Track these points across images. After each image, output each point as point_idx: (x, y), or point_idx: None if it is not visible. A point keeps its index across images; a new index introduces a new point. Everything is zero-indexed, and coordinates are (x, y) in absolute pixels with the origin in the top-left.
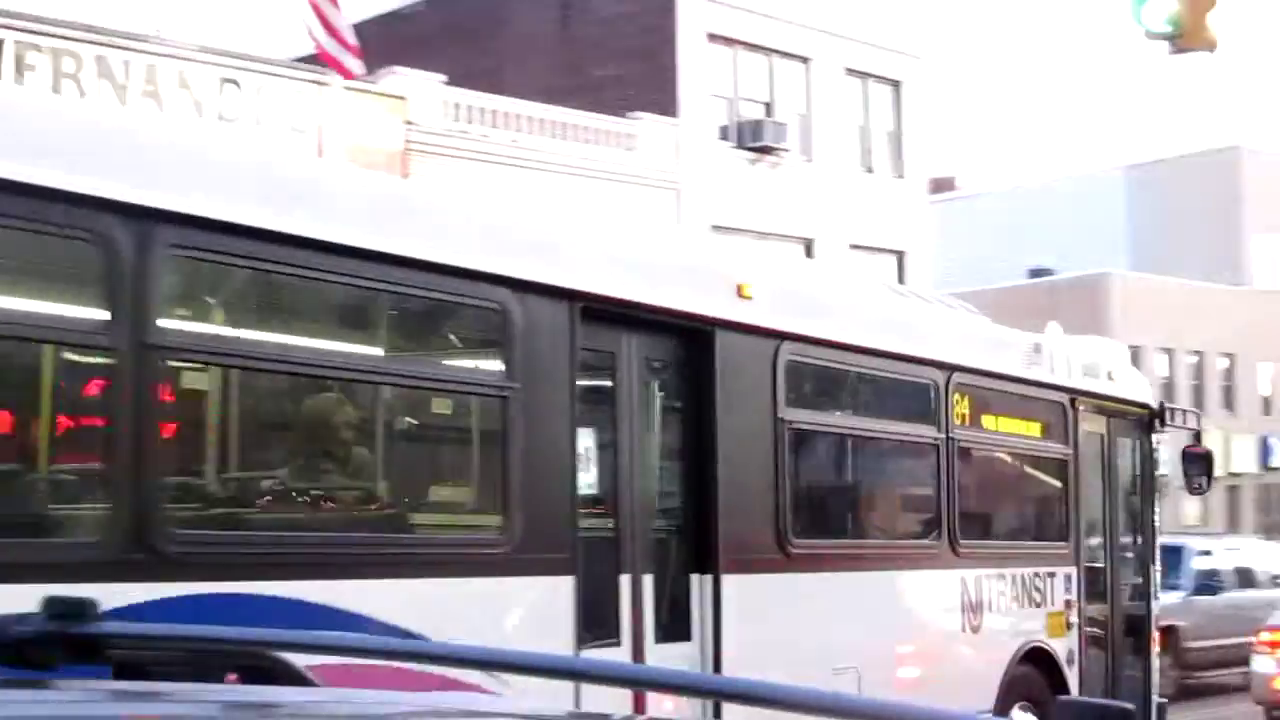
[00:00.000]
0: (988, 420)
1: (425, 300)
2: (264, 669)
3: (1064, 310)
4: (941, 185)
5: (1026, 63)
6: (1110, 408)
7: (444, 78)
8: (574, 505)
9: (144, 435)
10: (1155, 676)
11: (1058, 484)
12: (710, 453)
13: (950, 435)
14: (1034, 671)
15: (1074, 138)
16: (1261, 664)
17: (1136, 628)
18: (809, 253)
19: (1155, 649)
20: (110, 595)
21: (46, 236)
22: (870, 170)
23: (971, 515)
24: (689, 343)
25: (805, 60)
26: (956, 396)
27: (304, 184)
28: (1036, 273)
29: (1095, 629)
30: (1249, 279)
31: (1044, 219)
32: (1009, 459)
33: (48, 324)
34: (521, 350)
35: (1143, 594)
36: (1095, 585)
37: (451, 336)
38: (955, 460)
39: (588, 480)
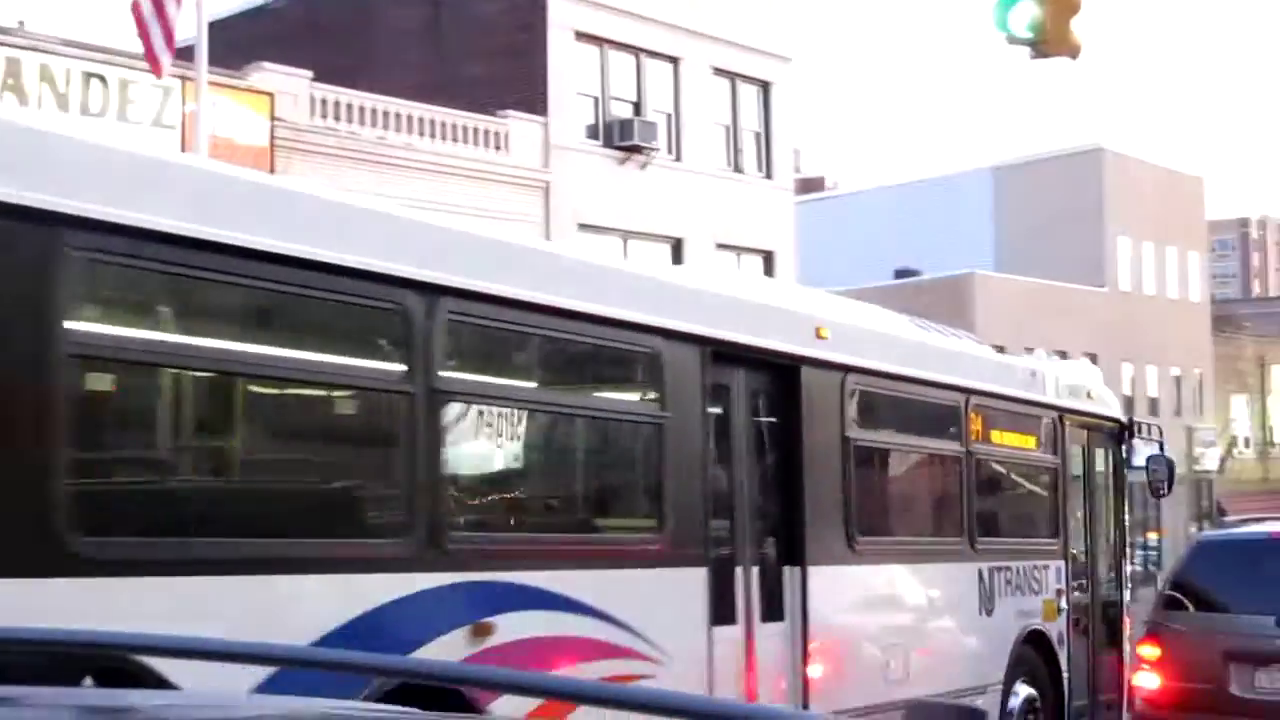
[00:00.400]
0: (995, 435)
1: (612, 350)
2: (125, 672)
3: (929, 311)
4: (810, 186)
5: (896, 65)
6: (1090, 423)
7: (310, 74)
8: (706, 511)
9: (432, 458)
10: (1128, 658)
11: (1049, 488)
12: (797, 466)
13: (969, 449)
14: (1033, 650)
15: (942, 139)
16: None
17: (1112, 614)
18: (677, 252)
19: (1128, 631)
20: (408, 583)
21: (362, 308)
22: (739, 170)
23: (984, 516)
24: (781, 376)
25: (674, 60)
26: (973, 415)
27: (533, 261)
28: (902, 273)
29: (1079, 614)
30: (1111, 280)
31: (912, 219)
32: (1012, 467)
33: (364, 373)
34: (670, 386)
35: (1117, 584)
36: (1078, 576)
37: (624, 378)
38: (973, 470)
39: (714, 490)
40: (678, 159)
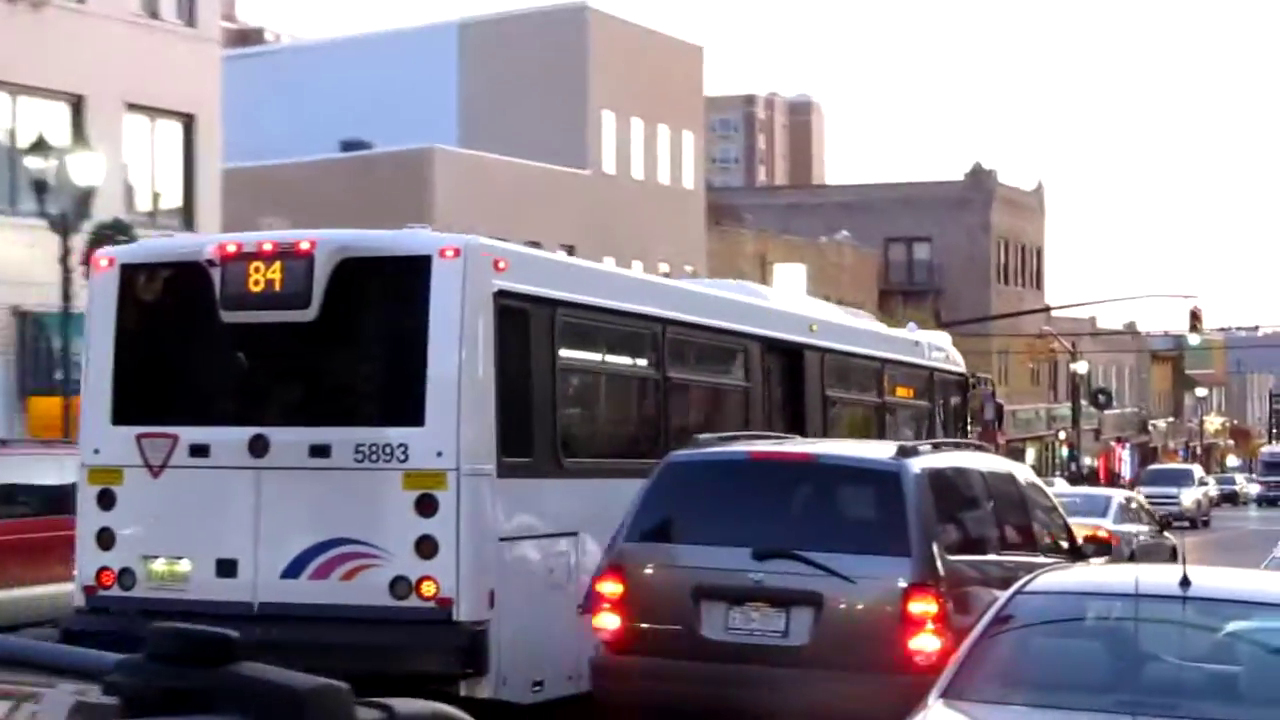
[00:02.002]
0: (898, 390)
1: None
2: None
3: (383, 190)
4: (245, 38)
5: None
6: (947, 377)
7: None
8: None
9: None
10: None
11: (925, 427)
12: (801, 415)
13: (884, 400)
14: None
15: None
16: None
17: None
18: (78, 111)
19: None
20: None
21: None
22: (155, 17)
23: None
24: (792, 356)
25: None
26: (885, 377)
27: (694, 297)
28: (350, 145)
29: None
30: (593, 161)
31: (364, 82)
32: (907, 412)
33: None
34: (750, 366)
35: None
36: None
37: (726, 362)
38: (884, 414)
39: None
40: (81, 3)
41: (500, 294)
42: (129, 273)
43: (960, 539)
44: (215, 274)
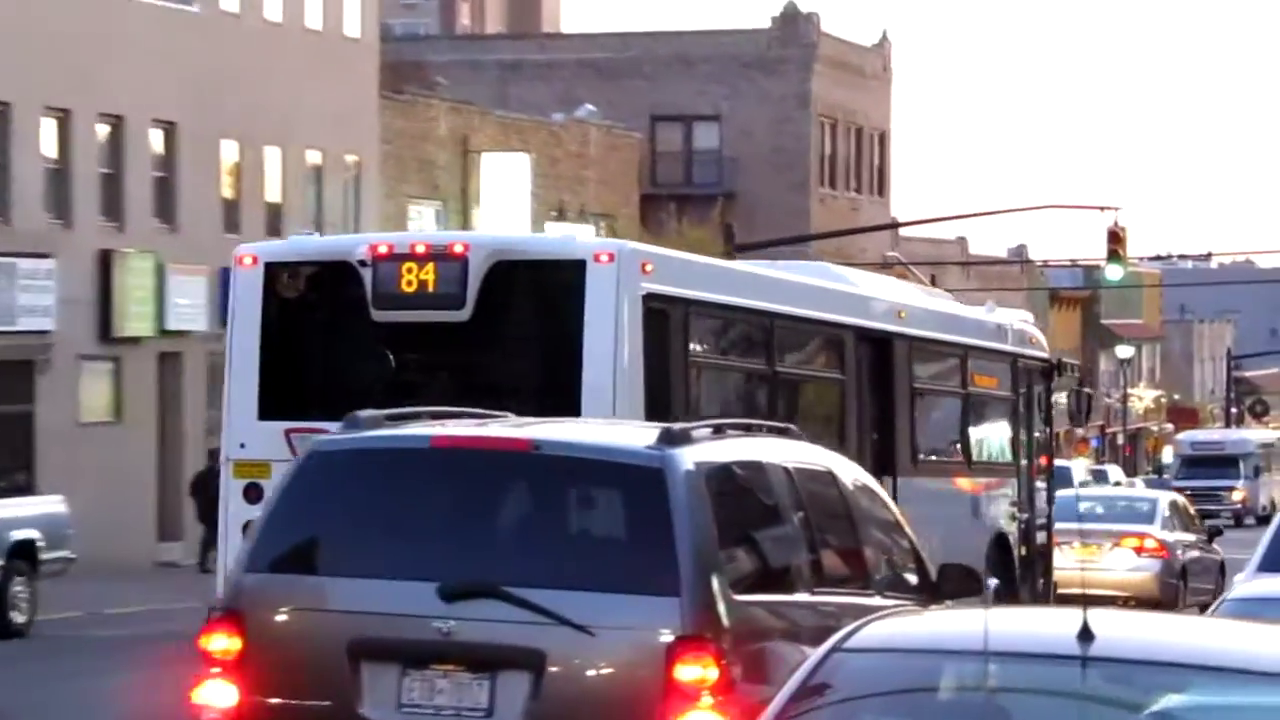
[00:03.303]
0: (981, 380)
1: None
2: None
3: None
4: None
5: None
6: (1031, 364)
7: None
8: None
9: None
10: (1052, 562)
11: (1011, 419)
12: (890, 411)
13: (968, 391)
14: (997, 548)
15: None
16: None
17: (1043, 524)
18: None
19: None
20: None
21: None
22: None
23: (977, 441)
24: (882, 345)
25: None
26: (972, 365)
27: (949, 313)
28: None
29: (1025, 522)
30: None
31: None
32: (992, 403)
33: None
34: (849, 357)
35: (1047, 498)
36: (1024, 491)
37: (826, 353)
38: (968, 405)
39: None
40: None
41: (648, 296)
42: (273, 270)
43: (754, 570)
44: (366, 274)
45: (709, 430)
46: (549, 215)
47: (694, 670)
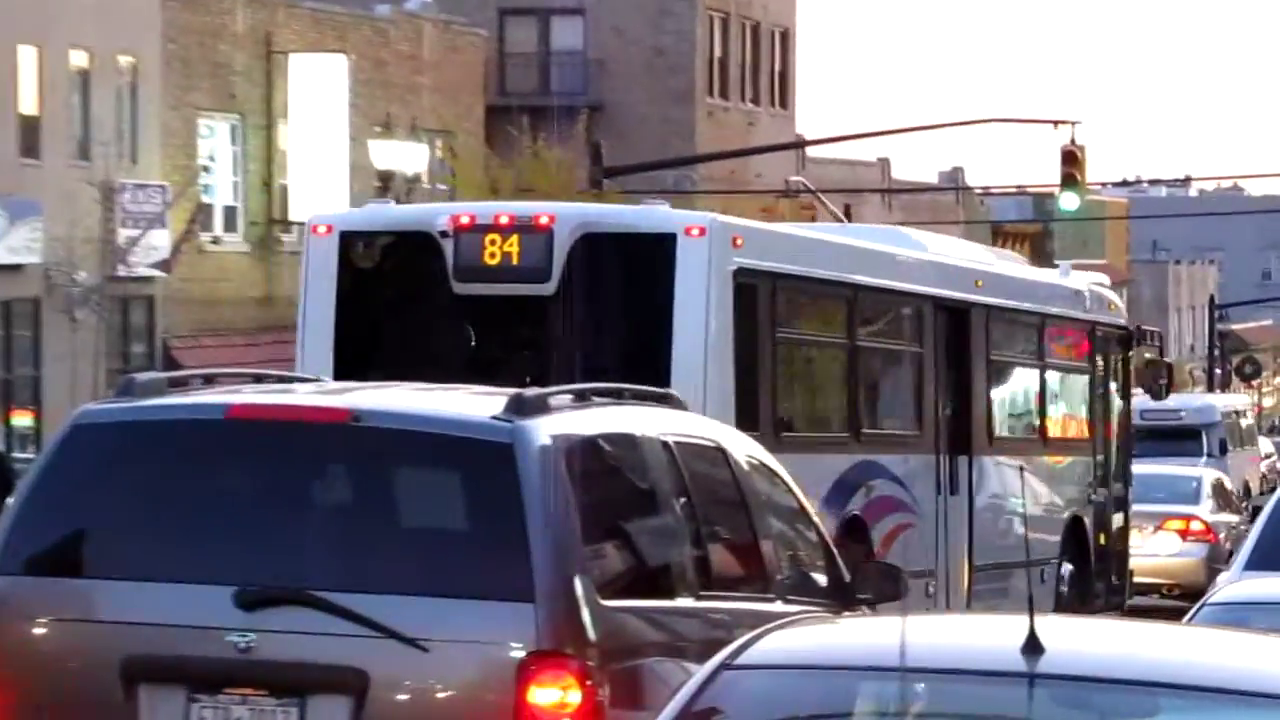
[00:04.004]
0: (1061, 351)
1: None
2: None
3: None
4: None
5: None
6: (1109, 331)
7: None
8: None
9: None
10: (1128, 549)
11: (1086, 392)
12: (967, 384)
13: (1045, 363)
14: (1072, 532)
15: None
16: None
17: (1121, 507)
18: None
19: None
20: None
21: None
22: None
23: (1052, 417)
24: (959, 316)
25: None
26: (1050, 334)
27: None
28: None
29: (1100, 506)
30: None
31: None
32: (1067, 376)
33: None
34: (927, 329)
35: (1126, 480)
36: (1100, 471)
37: (904, 324)
38: (1042, 380)
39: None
40: None
41: (738, 271)
42: (349, 239)
43: (627, 569)
44: (448, 245)
45: (569, 396)
46: (373, 131)
47: (552, 693)
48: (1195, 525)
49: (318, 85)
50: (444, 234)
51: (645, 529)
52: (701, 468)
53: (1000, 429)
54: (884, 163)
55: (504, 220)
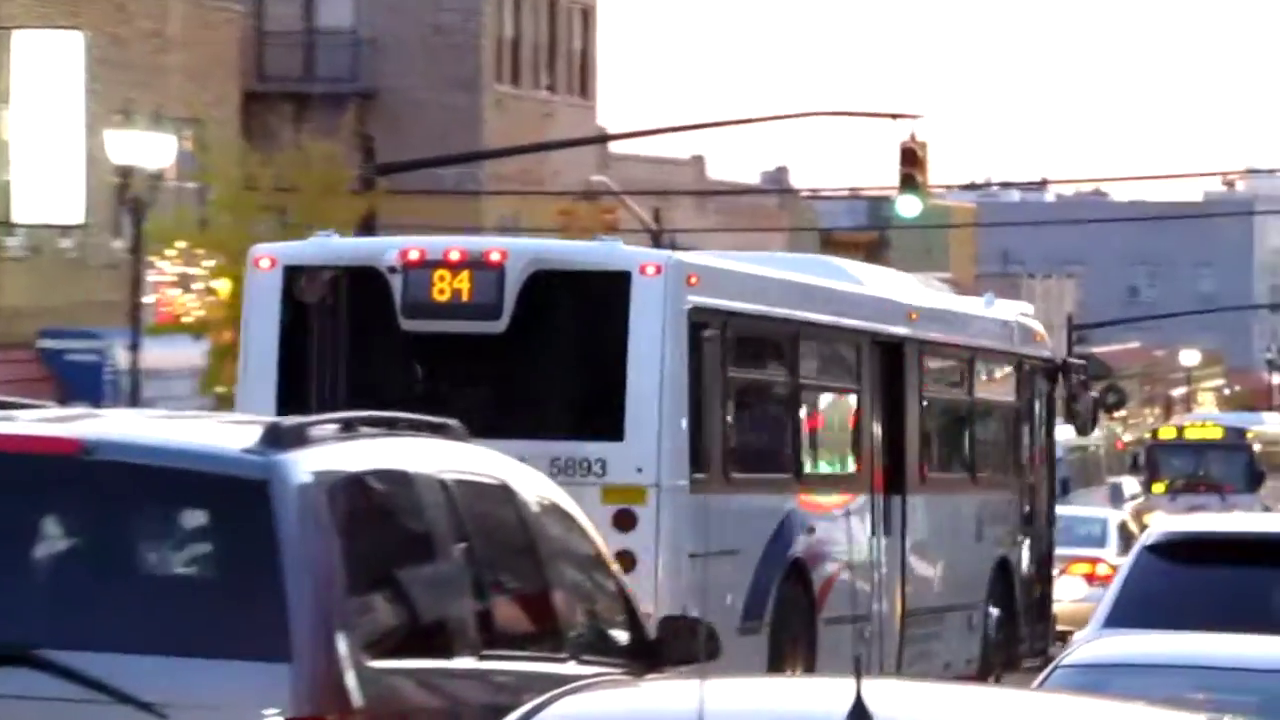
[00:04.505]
0: (991, 385)
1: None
2: None
3: None
4: None
5: None
6: (1036, 363)
7: None
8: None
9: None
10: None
11: (1014, 428)
12: (900, 423)
13: (974, 399)
14: (999, 575)
15: None
16: None
17: (1046, 548)
18: None
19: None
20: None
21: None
22: None
23: (982, 452)
24: (892, 352)
25: None
26: (980, 368)
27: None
28: None
29: (1026, 547)
30: None
31: None
32: (998, 412)
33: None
34: (867, 367)
35: (1049, 519)
36: (1026, 511)
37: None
38: (974, 413)
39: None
40: None
41: (693, 310)
42: (292, 274)
43: (398, 625)
44: (395, 280)
45: (334, 426)
46: (112, 119)
47: None
48: (1101, 569)
49: (47, 66)
50: (392, 269)
51: (419, 579)
52: (484, 509)
53: (932, 468)
54: (698, 161)
55: (454, 256)
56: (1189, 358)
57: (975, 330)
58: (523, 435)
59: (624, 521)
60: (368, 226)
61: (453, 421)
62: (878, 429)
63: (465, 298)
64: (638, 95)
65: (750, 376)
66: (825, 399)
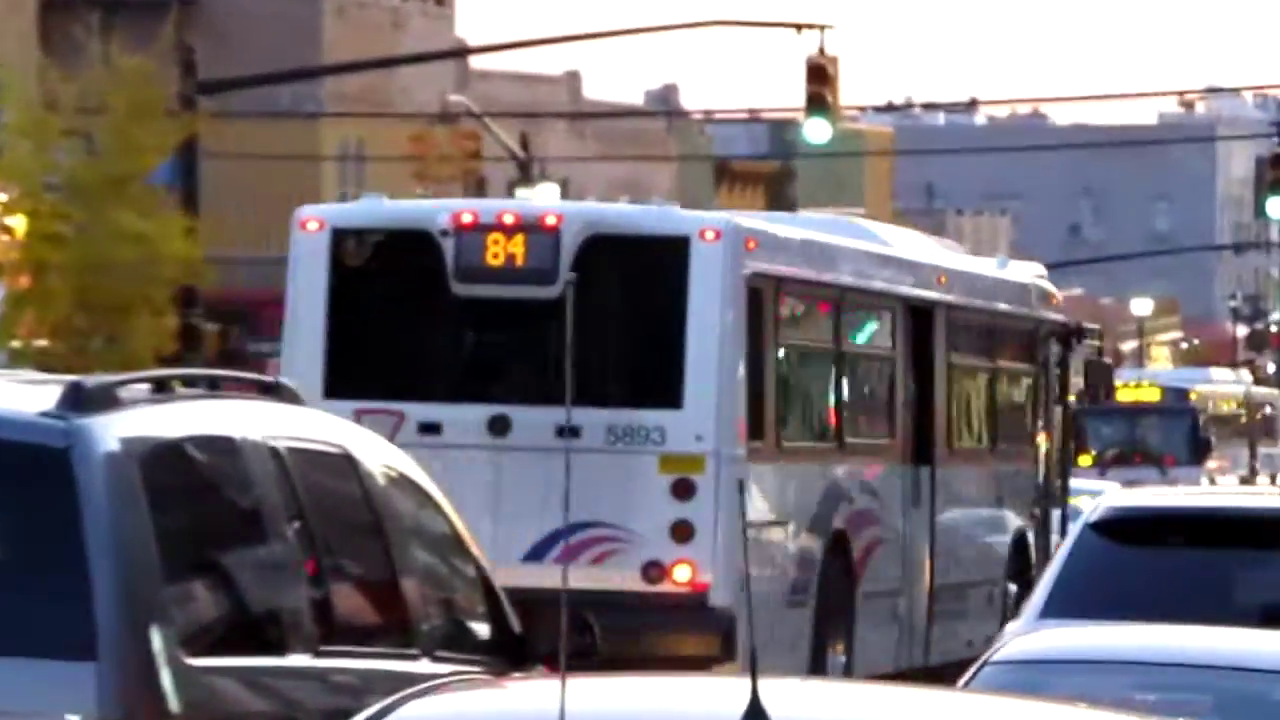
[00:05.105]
0: (1010, 351)
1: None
2: None
3: None
4: None
5: None
6: (1052, 328)
7: None
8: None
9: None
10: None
11: (1031, 396)
12: (929, 391)
13: (996, 365)
14: (1016, 549)
15: None
16: None
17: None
18: None
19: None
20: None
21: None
22: None
23: (997, 422)
24: (924, 317)
25: None
26: (1000, 333)
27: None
28: None
29: (1041, 522)
30: None
31: None
32: (1017, 378)
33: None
34: (900, 327)
35: (1064, 492)
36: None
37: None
38: (1001, 386)
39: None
40: None
41: (752, 275)
42: (341, 236)
43: (222, 617)
44: (448, 244)
45: (147, 387)
46: None
47: None
48: None
49: None
50: (444, 232)
51: (247, 564)
52: (323, 481)
53: (958, 439)
54: (573, 78)
55: (509, 219)
56: (1141, 306)
57: (999, 294)
58: (579, 402)
59: (682, 490)
60: (188, 153)
61: (283, 380)
62: (909, 398)
63: (519, 262)
64: (502, 2)
65: (799, 343)
66: (865, 366)
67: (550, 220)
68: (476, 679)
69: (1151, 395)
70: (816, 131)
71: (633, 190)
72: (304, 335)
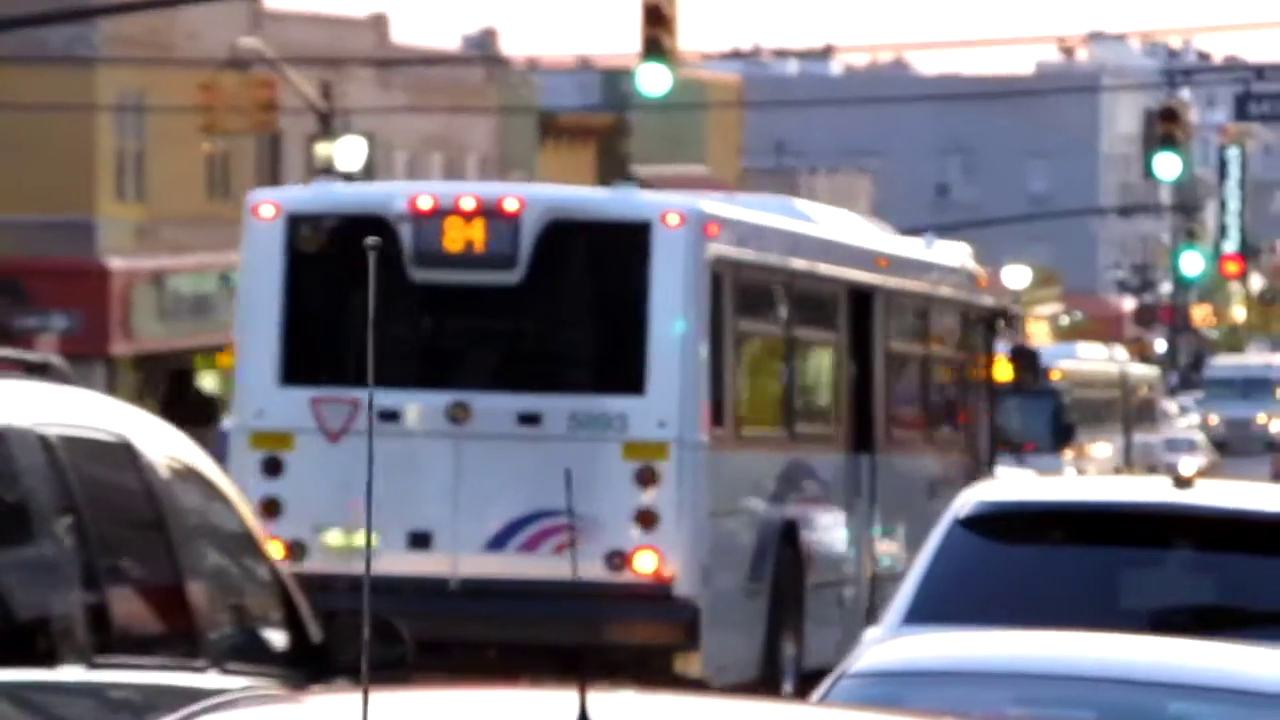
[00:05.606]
0: (942, 337)
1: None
2: None
3: None
4: None
5: None
6: (981, 312)
7: None
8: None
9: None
10: None
11: (962, 385)
12: (867, 380)
13: (929, 352)
14: None
15: None
16: None
17: None
18: None
19: None
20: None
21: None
22: None
23: (942, 412)
24: (862, 301)
25: None
26: (934, 318)
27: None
28: None
29: None
30: None
31: None
32: (948, 367)
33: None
34: (847, 314)
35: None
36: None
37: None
38: (935, 371)
39: None
40: None
41: (714, 260)
42: (295, 222)
43: None
44: (405, 230)
45: None
46: None
47: None
48: None
49: None
50: (401, 218)
51: (12, 565)
52: (99, 473)
53: (897, 426)
54: (379, 22)
55: (467, 205)
56: (1016, 276)
57: (933, 276)
58: (540, 389)
59: (646, 478)
60: None
61: (53, 358)
62: (850, 385)
63: (478, 248)
64: None
65: (755, 329)
66: (814, 353)
67: (510, 205)
68: (270, 693)
69: (1006, 374)
70: (653, 80)
71: (447, 146)
72: (258, 322)
